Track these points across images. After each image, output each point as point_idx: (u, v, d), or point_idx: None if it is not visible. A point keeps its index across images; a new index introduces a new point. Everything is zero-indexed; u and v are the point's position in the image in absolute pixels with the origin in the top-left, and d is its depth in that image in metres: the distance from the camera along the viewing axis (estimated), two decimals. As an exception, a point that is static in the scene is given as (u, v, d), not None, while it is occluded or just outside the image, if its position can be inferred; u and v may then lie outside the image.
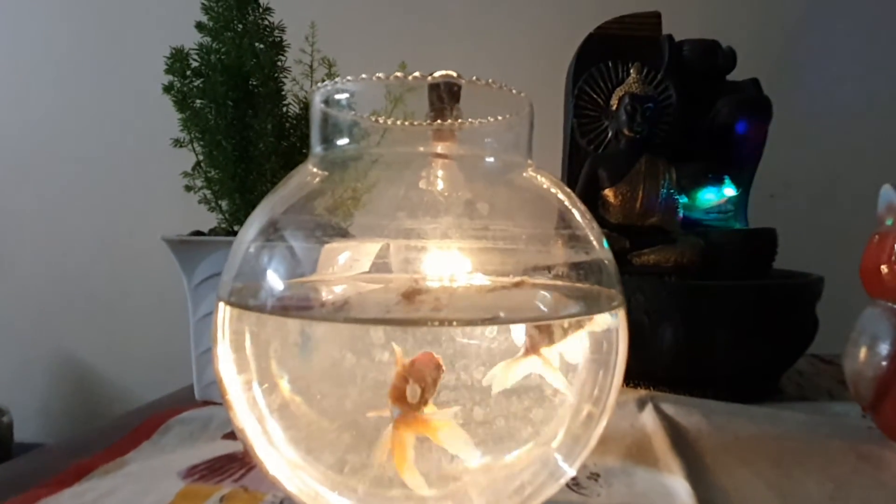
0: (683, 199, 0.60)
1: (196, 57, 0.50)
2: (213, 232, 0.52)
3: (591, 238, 0.33)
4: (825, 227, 0.85)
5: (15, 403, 0.97)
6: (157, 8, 0.97)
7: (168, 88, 0.50)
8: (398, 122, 0.34)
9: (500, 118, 0.33)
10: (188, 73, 0.50)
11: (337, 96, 0.30)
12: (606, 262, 0.32)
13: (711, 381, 0.51)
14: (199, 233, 0.51)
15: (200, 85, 0.50)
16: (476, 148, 0.34)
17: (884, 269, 0.40)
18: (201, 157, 0.50)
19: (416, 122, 0.33)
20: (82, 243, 1.02)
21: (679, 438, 0.43)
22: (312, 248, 0.30)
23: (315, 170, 0.32)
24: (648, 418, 0.46)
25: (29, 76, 1.02)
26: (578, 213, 0.33)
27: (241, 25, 0.51)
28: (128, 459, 0.39)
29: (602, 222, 0.60)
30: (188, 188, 0.50)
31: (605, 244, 0.33)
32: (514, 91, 0.33)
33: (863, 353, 0.41)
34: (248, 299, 0.27)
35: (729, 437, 0.44)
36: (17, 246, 1.04)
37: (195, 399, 0.51)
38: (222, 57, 0.51)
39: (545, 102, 0.71)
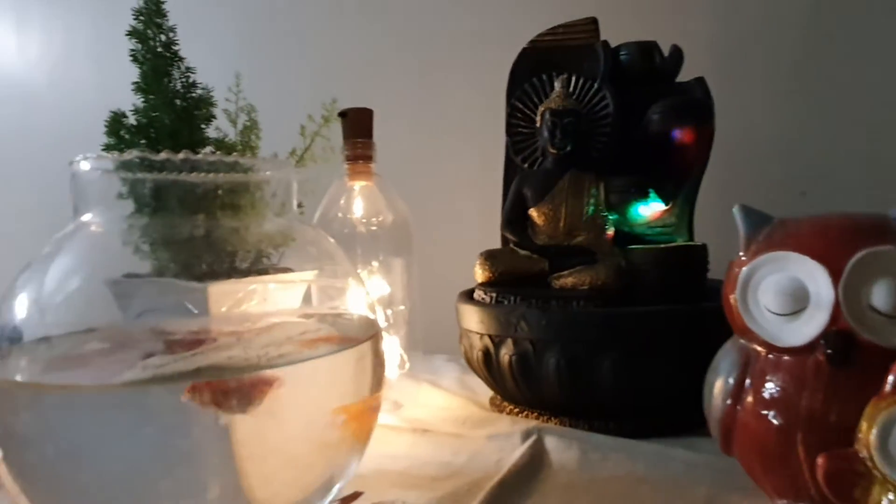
0: (613, 217, 0.56)
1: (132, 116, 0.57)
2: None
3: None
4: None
5: None
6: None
7: (106, 147, 0.57)
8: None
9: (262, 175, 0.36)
10: (122, 132, 0.57)
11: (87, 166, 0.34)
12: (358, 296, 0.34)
13: (606, 412, 0.48)
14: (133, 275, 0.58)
15: (131, 142, 0.57)
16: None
17: (731, 299, 0.36)
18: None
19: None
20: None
21: (523, 476, 0.41)
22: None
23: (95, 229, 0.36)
24: (518, 453, 0.45)
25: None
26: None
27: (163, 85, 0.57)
28: None
29: (528, 244, 0.58)
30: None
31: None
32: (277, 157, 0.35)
33: (711, 390, 0.37)
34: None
35: (585, 476, 0.42)
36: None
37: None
38: (153, 114, 0.57)
39: (491, 122, 0.71)
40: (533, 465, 0.43)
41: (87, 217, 0.35)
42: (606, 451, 0.45)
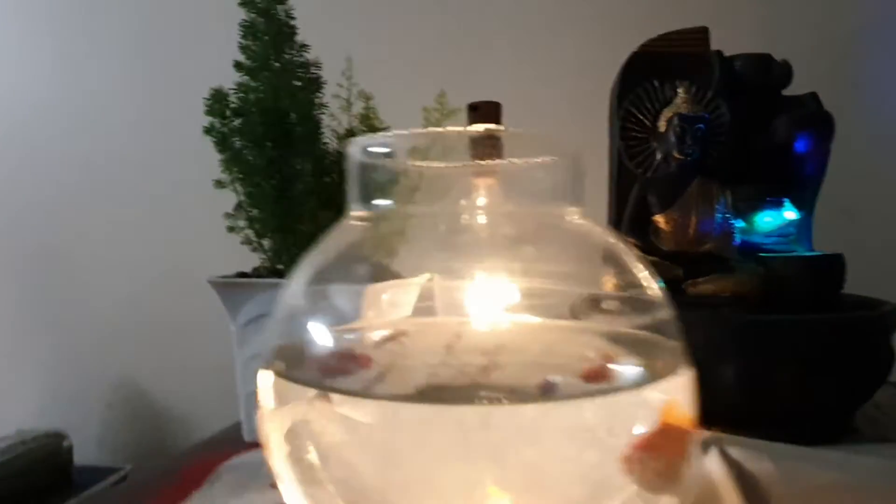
0: (740, 224, 0.57)
1: (234, 98, 0.50)
2: (256, 271, 0.52)
3: (652, 287, 0.31)
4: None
5: (73, 426, 0.99)
6: (196, 48, 0.98)
7: (209, 130, 0.50)
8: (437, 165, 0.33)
9: (538, 160, 0.32)
10: (227, 113, 0.50)
11: (372, 149, 0.29)
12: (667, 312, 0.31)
13: (775, 421, 0.48)
14: (243, 274, 0.51)
15: (239, 125, 0.50)
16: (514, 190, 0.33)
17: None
18: (243, 198, 0.50)
19: (452, 164, 0.32)
20: (145, 274, 1.04)
21: (750, 488, 0.40)
22: (354, 298, 0.29)
23: (355, 223, 0.31)
24: (713, 463, 0.43)
25: (83, 118, 1.06)
26: (633, 261, 0.31)
27: (277, 64, 0.51)
28: (176, 511, 0.38)
29: (654, 249, 0.57)
30: (230, 228, 0.50)
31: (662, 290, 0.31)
32: (556, 139, 0.31)
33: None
34: (286, 367, 0.26)
35: (801, 485, 0.41)
36: (85, 271, 1.07)
37: (244, 439, 0.51)
38: (260, 96, 0.50)
39: (589, 124, 0.69)
40: (744, 476, 0.42)
41: (357, 209, 0.30)
42: (795, 461, 0.44)
